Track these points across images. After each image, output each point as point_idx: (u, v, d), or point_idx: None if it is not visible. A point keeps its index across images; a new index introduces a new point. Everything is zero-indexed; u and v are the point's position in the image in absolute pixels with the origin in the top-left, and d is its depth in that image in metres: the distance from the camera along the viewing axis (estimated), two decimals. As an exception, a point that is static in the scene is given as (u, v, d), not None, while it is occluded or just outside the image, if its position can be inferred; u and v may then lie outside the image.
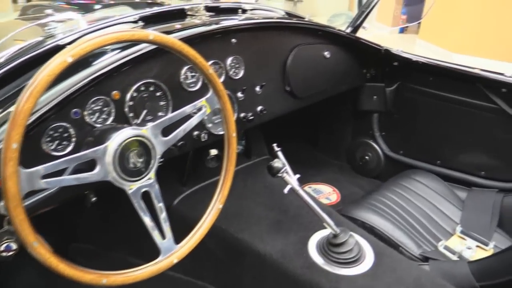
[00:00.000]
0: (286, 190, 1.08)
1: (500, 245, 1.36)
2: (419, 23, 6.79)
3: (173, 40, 0.78)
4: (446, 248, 1.33)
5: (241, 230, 1.20)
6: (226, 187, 0.95)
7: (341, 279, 1.04)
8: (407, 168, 1.75)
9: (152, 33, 0.74)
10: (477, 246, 1.36)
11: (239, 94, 1.23)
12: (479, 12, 5.48)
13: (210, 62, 1.17)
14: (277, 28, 1.37)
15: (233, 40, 1.20)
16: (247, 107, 1.26)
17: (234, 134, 0.95)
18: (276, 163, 1.09)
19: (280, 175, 1.08)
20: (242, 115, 1.26)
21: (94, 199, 1.06)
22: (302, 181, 1.91)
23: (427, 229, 1.41)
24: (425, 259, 1.24)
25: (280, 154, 1.20)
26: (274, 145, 1.23)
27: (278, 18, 1.44)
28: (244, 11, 1.41)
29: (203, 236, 0.90)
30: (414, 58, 1.72)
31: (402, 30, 7.91)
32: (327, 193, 1.87)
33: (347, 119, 2.03)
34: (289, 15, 1.63)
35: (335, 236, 1.09)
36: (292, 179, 1.10)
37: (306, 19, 1.57)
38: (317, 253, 1.11)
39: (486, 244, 1.36)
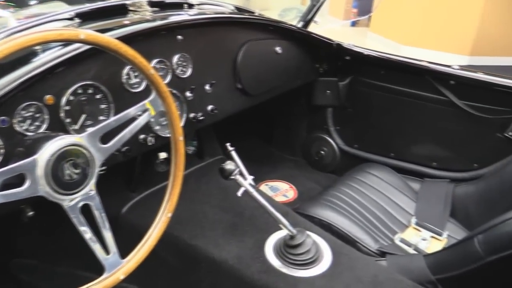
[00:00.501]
0: (239, 193, 1.04)
1: (453, 235, 1.38)
2: (370, 16, 6.94)
3: (108, 39, 0.72)
4: (402, 241, 1.34)
5: (195, 236, 1.15)
6: (175, 195, 0.90)
7: (299, 282, 1.01)
8: (362, 161, 1.76)
9: (84, 31, 0.67)
10: (432, 236, 1.38)
11: (188, 94, 1.17)
12: (425, 5, 5.65)
13: (155, 60, 1.10)
14: (226, 23, 1.32)
15: (179, 37, 1.14)
16: (197, 107, 1.21)
17: (181, 138, 0.90)
18: (228, 165, 1.04)
19: (233, 177, 1.04)
20: (191, 115, 1.20)
21: (31, 213, 0.97)
22: (258, 179, 1.90)
23: (383, 223, 1.41)
24: (382, 254, 1.24)
25: (233, 153, 1.16)
26: (228, 144, 1.18)
27: (226, 13, 1.39)
28: (190, 5, 1.35)
29: (152, 248, 0.85)
30: (366, 52, 1.73)
31: (354, 24, 8.06)
32: (284, 190, 1.84)
33: (301, 114, 2.02)
34: (239, 9, 1.59)
35: (291, 237, 1.06)
36: (246, 181, 1.06)
37: (256, 14, 1.53)
38: (274, 256, 1.08)
39: (440, 235, 1.38)
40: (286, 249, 1.07)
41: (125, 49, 0.74)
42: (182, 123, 1.16)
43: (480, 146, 1.58)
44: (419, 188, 1.61)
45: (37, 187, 0.67)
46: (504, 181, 1.37)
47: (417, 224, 1.43)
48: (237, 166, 1.05)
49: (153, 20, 1.10)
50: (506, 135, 1.50)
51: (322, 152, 1.99)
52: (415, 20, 5.83)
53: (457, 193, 1.53)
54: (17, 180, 0.67)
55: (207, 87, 1.24)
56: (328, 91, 1.86)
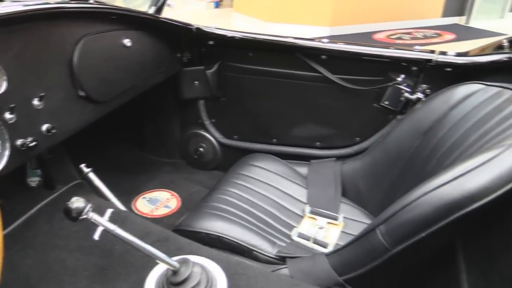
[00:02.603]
0: (96, 236, 0.80)
1: (348, 216, 1.33)
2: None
3: None
4: (300, 235, 1.24)
5: None
6: None
7: None
8: (245, 152, 1.62)
9: None
10: (328, 223, 1.30)
11: (8, 115, 0.88)
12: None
13: None
14: (50, 16, 1.03)
15: None
16: (24, 130, 0.92)
17: None
18: (76, 203, 0.79)
19: (84, 217, 0.79)
20: (19, 142, 0.91)
21: None
22: (134, 193, 1.65)
23: (278, 219, 1.29)
24: (283, 258, 1.11)
25: (92, 175, 0.91)
26: (82, 166, 0.93)
27: (48, 3, 1.09)
28: None
29: None
30: (230, 34, 1.56)
31: (218, 5, 7.94)
32: (165, 200, 1.62)
33: (171, 111, 1.80)
34: (69, -3, 1.29)
35: (175, 272, 0.87)
36: (103, 217, 0.82)
37: (91, 1, 1.26)
38: (159, 298, 0.88)
39: (336, 219, 1.31)
40: (171, 287, 0.87)
41: None
42: (5, 157, 0.87)
43: (360, 119, 1.54)
44: (307, 172, 1.53)
45: None
46: (387, 151, 1.34)
47: (311, 212, 1.34)
48: (88, 200, 0.80)
49: None
50: (382, 104, 1.47)
51: (201, 149, 1.80)
52: (276, -4, 5.91)
53: (345, 171, 1.48)
54: None
55: (35, 102, 0.95)
56: (196, 82, 1.67)
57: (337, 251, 1.00)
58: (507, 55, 1.17)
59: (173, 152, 1.87)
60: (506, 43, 1.22)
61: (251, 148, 1.70)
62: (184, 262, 0.88)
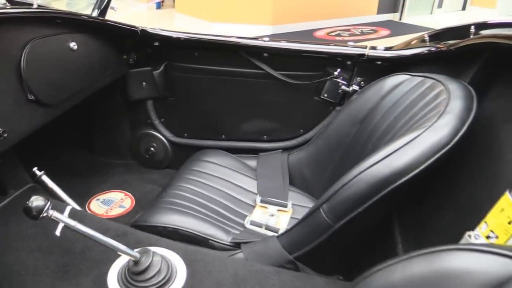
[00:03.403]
0: (58, 232, 0.83)
1: (296, 202, 1.42)
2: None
3: None
4: (253, 223, 1.31)
5: None
6: None
7: None
8: (196, 150, 1.67)
9: None
10: (278, 210, 1.39)
11: None
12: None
13: None
14: None
15: None
16: None
17: None
18: (35, 201, 0.82)
19: (45, 214, 0.83)
20: None
21: None
22: (86, 195, 1.65)
23: (231, 210, 1.36)
24: (237, 244, 1.18)
25: (45, 178, 0.94)
26: (35, 169, 0.95)
27: None
28: None
29: None
30: (175, 35, 1.61)
31: (159, 6, 7.85)
32: (119, 200, 1.65)
33: (120, 113, 1.82)
34: (11, 2, 1.29)
35: (136, 262, 0.91)
36: (63, 214, 0.86)
37: (35, 6, 1.26)
38: (121, 289, 0.92)
39: (285, 206, 1.39)
40: (133, 277, 0.92)
41: None
42: None
43: (302, 112, 1.64)
44: (256, 165, 1.60)
45: None
46: (328, 140, 1.44)
47: (262, 201, 1.41)
48: (47, 199, 0.83)
49: None
50: (322, 97, 1.58)
51: (152, 148, 1.84)
52: (217, -4, 5.95)
53: (291, 161, 1.57)
54: None
55: None
56: (144, 83, 1.70)
57: (286, 232, 1.09)
58: (427, 48, 1.31)
59: (125, 153, 1.88)
60: (427, 37, 1.36)
61: (202, 145, 1.75)
62: (144, 252, 0.93)
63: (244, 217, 1.35)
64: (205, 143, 1.76)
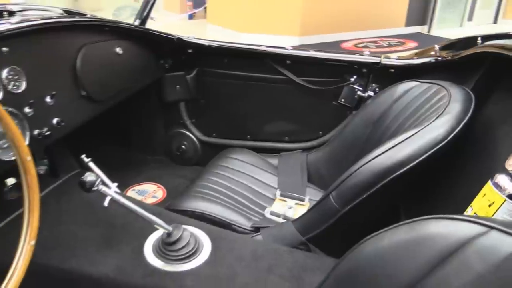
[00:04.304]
0: (106, 203, 1.00)
1: (313, 197, 1.54)
2: (205, 8, 7.10)
3: None
4: (272, 213, 1.44)
5: (67, 258, 1.07)
6: (35, 219, 0.82)
7: (185, 275, 1.03)
8: (223, 148, 1.82)
9: None
10: (296, 203, 1.52)
11: (27, 109, 1.07)
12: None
13: None
14: (56, 29, 1.23)
15: (4, 49, 1.02)
16: (40, 122, 1.11)
17: (29, 158, 0.82)
18: (89, 177, 0.99)
19: (95, 188, 0.99)
20: (36, 132, 1.10)
21: None
22: (123, 186, 1.83)
23: (252, 201, 1.50)
24: (257, 229, 1.32)
25: (91, 164, 1.10)
26: (83, 156, 1.12)
27: (54, 17, 1.29)
28: (11, 13, 1.22)
29: (18, 284, 0.77)
30: (207, 43, 1.78)
31: (191, 17, 8.15)
32: (152, 192, 1.81)
33: (156, 113, 2.00)
34: (68, 12, 1.48)
35: (168, 235, 1.07)
36: (110, 189, 1.02)
37: (88, 16, 1.45)
38: (156, 257, 1.07)
39: (303, 200, 1.52)
40: (166, 247, 1.07)
41: None
42: (26, 142, 1.05)
43: (321, 115, 1.77)
44: (277, 163, 1.74)
45: None
46: (344, 141, 1.57)
47: (281, 195, 1.55)
48: (98, 176, 1.00)
49: None
50: (339, 102, 1.71)
51: (183, 146, 2.00)
52: (248, 7, 6.16)
53: (310, 160, 1.70)
54: None
55: (47, 99, 1.14)
56: (178, 86, 1.87)
57: (300, 217, 1.22)
58: (434, 58, 1.43)
59: (158, 150, 2.06)
60: (437, 48, 1.49)
61: (228, 144, 1.90)
62: (176, 226, 1.08)
63: (264, 208, 1.48)
64: (232, 142, 1.91)
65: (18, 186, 1.18)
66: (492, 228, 0.54)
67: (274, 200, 1.54)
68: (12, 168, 1.00)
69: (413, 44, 6.59)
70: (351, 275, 0.69)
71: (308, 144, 1.82)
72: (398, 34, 7.19)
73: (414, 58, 1.53)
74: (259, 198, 1.53)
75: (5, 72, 1.01)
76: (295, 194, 1.55)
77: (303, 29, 6.07)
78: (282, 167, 1.71)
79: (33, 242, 0.81)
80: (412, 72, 1.51)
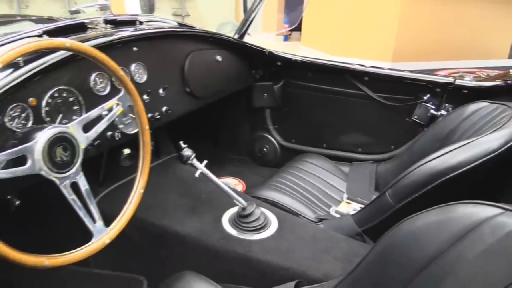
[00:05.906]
0: (197, 174, 1.24)
1: (377, 205, 1.66)
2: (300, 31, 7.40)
3: (86, 46, 0.90)
4: (337, 212, 1.58)
5: (160, 217, 1.33)
6: (145, 173, 1.08)
7: (253, 243, 1.23)
8: (300, 153, 2.01)
9: (69, 41, 0.85)
10: (361, 207, 1.64)
11: (145, 97, 1.36)
12: (348, 19, 6.16)
13: None
14: (173, 36, 1.53)
15: (135, 48, 1.32)
16: (153, 108, 1.39)
17: (147, 127, 1.08)
18: (186, 152, 1.24)
19: (190, 162, 1.24)
20: (149, 115, 1.38)
21: (18, 202, 1.10)
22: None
23: (320, 199, 1.66)
24: (320, 220, 1.48)
25: (187, 150, 1.36)
26: (181, 142, 1.38)
27: (172, 27, 1.60)
28: (141, 22, 1.54)
29: (130, 217, 1.02)
30: (294, 58, 2.00)
31: (286, 38, 8.51)
32: (233, 185, 2.05)
33: (243, 117, 2.25)
34: (181, 25, 1.80)
35: (243, 209, 1.28)
36: (201, 164, 1.26)
37: (197, 28, 1.75)
38: (230, 226, 1.29)
39: (368, 205, 1.65)
40: (240, 219, 1.29)
41: (100, 55, 0.93)
42: None
43: (394, 130, 1.89)
44: (348, 171, 1.89)
45: (36, 166, 0.83)
46: (412, 155, 1.66)
47: (348, 198, 1.68)
48: (193, 153, 1.25)
49: (111, 34, 1.28)
50: (413, 118, 1.82)
51: (265, 149, 2.22)
52: (342, 31, 6.33)
53: (379, 171, 1.82)
54: (17, 164, 0.82)
55: (161, 91, 1.43)
56: (265, 94, 2.11)
57: (359, 211, 1.36)
58: (503, 81, 1.50)
59: (242, 150, 2.31)
60: (511, 73, 1.55)
61: (306, 150, 2.08)
62: (250, 203, 1.29)
63: (330, 206, 1.63)
64: (309, 148, 2.10)
65: (131, 156, 1.49)
66: (507, 210, 0.66)
67: (340, 202, 1.68)
68: (129, 141, 1.29)
69: (515, 77, 6.25)
70: (389, 248, 0.82)
71: (379, 156, 1.94)
72: (500, 66, 6.85)
73: (486, 80, 1.60)
74: (326, 198, 1.68)
75: (133, 66, 1.31)
76: (361, 199, 1.68)
77: (396, 55, 6.08)
78: (352, 175, 1.85)
79: (142, 190, 1.07)
80: (484, 94, 1.58)
